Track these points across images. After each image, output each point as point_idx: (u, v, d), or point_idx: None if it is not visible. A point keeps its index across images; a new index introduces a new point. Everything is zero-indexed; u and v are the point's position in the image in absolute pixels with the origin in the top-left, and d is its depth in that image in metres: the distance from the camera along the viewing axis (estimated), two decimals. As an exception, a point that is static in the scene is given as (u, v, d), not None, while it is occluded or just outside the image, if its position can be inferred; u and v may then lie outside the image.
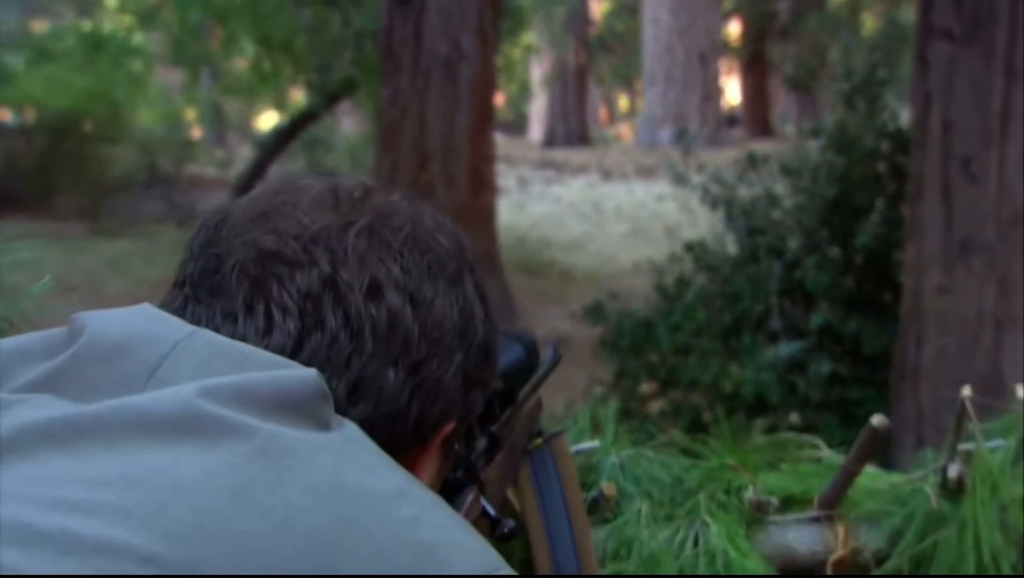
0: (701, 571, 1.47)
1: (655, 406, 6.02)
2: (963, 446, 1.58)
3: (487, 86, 9.39)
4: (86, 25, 15.97)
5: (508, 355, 1.33)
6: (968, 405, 1.52)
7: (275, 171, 14.13)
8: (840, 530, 1.57)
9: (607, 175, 17.13)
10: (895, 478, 1.62)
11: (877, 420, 1.50)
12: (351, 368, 0.83)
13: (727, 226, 6.61)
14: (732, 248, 6.49)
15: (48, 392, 0.76)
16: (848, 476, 1.55)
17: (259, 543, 0.66)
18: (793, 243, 6.13)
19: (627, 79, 25.59)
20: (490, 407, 1.27)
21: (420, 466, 0.90)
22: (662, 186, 14.41)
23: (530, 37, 23.53)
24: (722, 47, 21.51)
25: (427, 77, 9.06)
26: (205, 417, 0.71)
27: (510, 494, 1.45)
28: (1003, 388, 1.77)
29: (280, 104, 14.58)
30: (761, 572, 1.47)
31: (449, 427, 0.92)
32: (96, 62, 14.10)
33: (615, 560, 1.49)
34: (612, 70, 24.47)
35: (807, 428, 4.95)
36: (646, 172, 16.46)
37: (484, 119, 9.38)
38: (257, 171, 12.37)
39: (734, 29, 23.04)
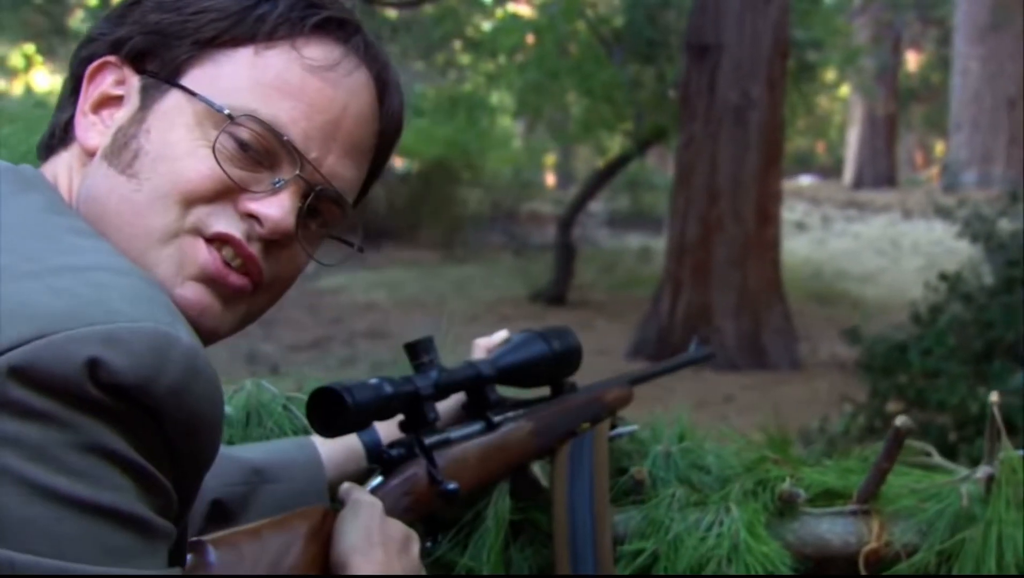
0: (717, 551, 1.38)
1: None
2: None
3: (775, 130, 9.16)
4: (449, 86, 16.76)
5: (528, 349, 1.36)
6: (996, 412, 1.36)
7: (595, 207, 14.30)
8: (875, 524, 1.44)
9: (908, 214, 16.25)
10: (939, 478, 1.46)
11: (900, 421, 1.38)
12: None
13: (986, 258, 6.14)
14: (989, 279, 6.01)
15: None
16: (880, 473, 1.42)
17: None
18: (1050, 275, 5.62)
19: (939, 126, 24.25)
20: (483, 399, 1.29)
21: (87, 96, 0.94)
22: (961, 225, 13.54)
23: (844, 89, 22.79)
24: (1031, 93, 19.96)
25: (719, 123, 8.94)
26: None
27: (536, 469, 1.41)
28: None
29: (601, 149, 14.76)
30: (774, 557, 1.37)
31: (101, 58, 0.94)
32: (455, 116, 14.75)
33: (641, 538, 1.42)
34: (923, 117, 23.24)
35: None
36: (947, 212, 15.49)
37: (772, 160, 9.15)
38: (578, 207, 12.56)
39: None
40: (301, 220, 0.93)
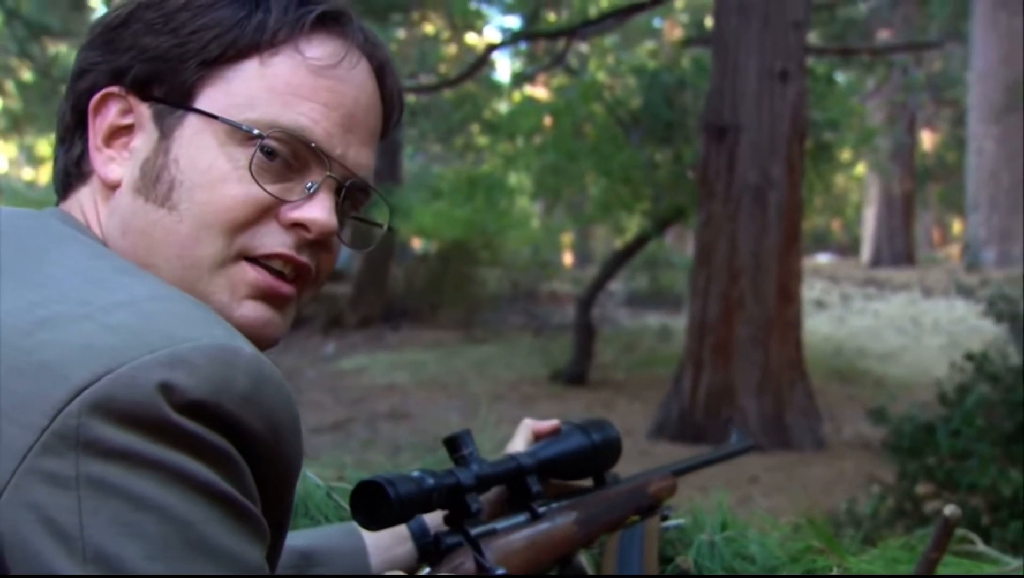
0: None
1: (931, 507, 5.57)
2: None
3: (794, 210, 9.18)
4: (468, 168, 16.89)
5: (568, 442, 1.37)
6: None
7: (614, 286, 14.29)
8: (924, 615, 1.40)
9: (928, 292, 16.20)
10: (987, 567, 1.44)
11: (949, 510, 1.36)
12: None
13: (1012, 338, 6.11)
14: (1015, 359, 5.97)
15: None
16: (929, 563, 1.40)
17: None
18: (1077, 354, 5.58)
19: (956, 204, 24.32)
20: (525, 491, 1.28)
21: (96, 130, 0.93)
22: (984, 304, 13.49)
23: (860, 168, 22.90)
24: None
25: (738, 203, 8.98)
26: None
27: (584, 559, 1.40)
28: None
29: (619, 229, 14.82)
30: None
31: (103, 90, 0.93)
32: (473, 197, 14.85)
33: (686, 626, 1.40)
34: (940, 195, 23.30)
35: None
36: (968, 291, 15.44)
37: (791, 239, 9.16)
38: (597, 287, 12.57)
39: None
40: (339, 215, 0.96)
